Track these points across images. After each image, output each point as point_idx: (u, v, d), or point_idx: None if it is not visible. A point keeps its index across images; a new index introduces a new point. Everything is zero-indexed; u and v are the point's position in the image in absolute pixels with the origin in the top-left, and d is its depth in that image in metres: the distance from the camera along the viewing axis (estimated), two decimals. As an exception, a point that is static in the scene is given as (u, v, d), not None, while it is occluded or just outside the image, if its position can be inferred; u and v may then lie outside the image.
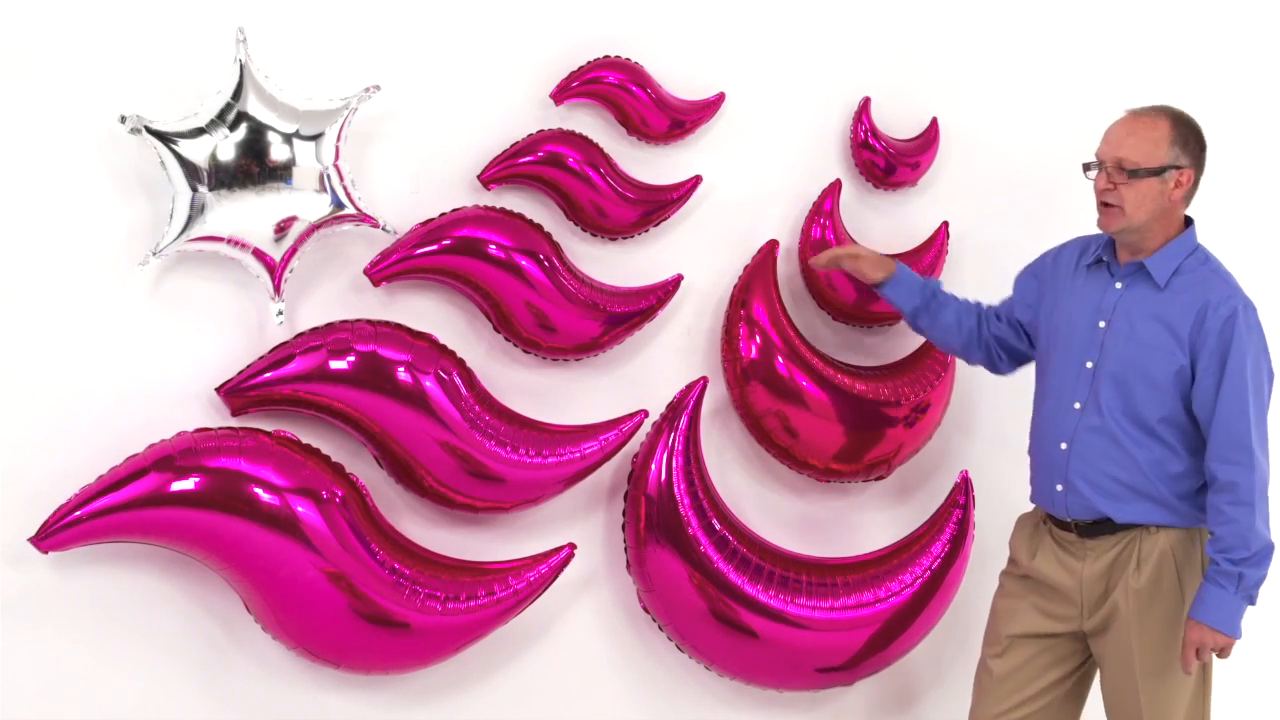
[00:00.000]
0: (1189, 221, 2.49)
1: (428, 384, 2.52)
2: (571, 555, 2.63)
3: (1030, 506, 2.67)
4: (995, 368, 2.76)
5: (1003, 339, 2.71)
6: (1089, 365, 2.47)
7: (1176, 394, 2.40)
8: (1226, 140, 3.54)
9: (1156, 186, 2.40)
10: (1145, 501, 2.42)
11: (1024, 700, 2.53)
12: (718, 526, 2.74)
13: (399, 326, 2.57)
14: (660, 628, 2.81)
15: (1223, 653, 2.35)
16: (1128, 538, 2.44)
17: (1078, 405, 2.47)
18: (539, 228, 2.68)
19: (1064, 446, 2.48)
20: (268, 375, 2.45)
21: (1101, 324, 2.47)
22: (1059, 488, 2.49)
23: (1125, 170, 2.39)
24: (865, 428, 2.89)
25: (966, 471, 2.92)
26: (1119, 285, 2.48)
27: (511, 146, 2.68)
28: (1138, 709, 2.43)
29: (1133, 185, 2.39)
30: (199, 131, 2.35)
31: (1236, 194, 3.57)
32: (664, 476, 2.71)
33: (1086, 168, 2.48)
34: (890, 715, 3.11)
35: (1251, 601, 2.34)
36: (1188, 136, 2.43)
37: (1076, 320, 2.51)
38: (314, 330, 2.52)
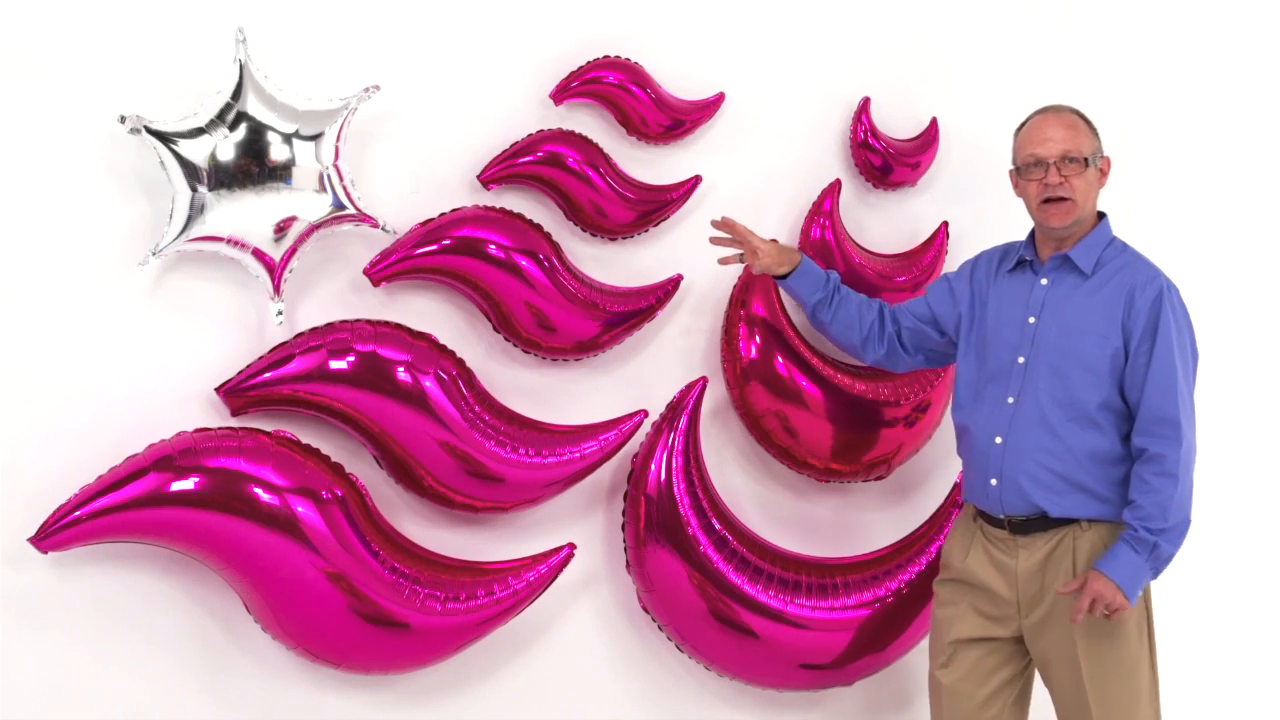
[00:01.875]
0: (1100, 214, 2.54)
1: (427, 384, 2.52)
2: (571, 555, 2.63)
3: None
4: (894, 364, 2.73)
5: (915, 332, 2.69)
6: (1020, 361, 2.48)
7: (1113, 377, 2.42)
8: (1223, 139, 3.55)
9: (1094, 174, 2.48)
10: (1080, 494, 2.43)
11: (977, 707, 2.53)
12: (717, 526, 2.74)
13: (399, 326, 2.57)
14: (660, 628, 2.81)
15: (1113, 615, 2.34)
16: (1059, 535, 2.44)
17: (1011, 400, 2.48)
18: (539, 228, 2.68)
19: (999, 441, 2.48)
20: (267, 375, 2.45)
21: (1031, 320, 2.49)
22: (993, 482, 2.49)
23: (1074, 161, 2.44)
24: (865, 427, 2.90)
25: (966, 471, 2.92)
26: (1044, 281, 2.51)
27: (511, 146, 2.68)
28: (1088, 711, 2.42)
29: (1083, 175, 2.45)
30: (199, 131, 2.35)
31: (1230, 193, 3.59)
32: (664, 476, 2.72)
33: (1018, 174, 2.51)
34: (889, 715, 3.11)
35: (1156, 574, 2.35)
36: (1093, 126, 2.52)
37: (1004, 321, 2.54)
38: (314, 330, 2.53)
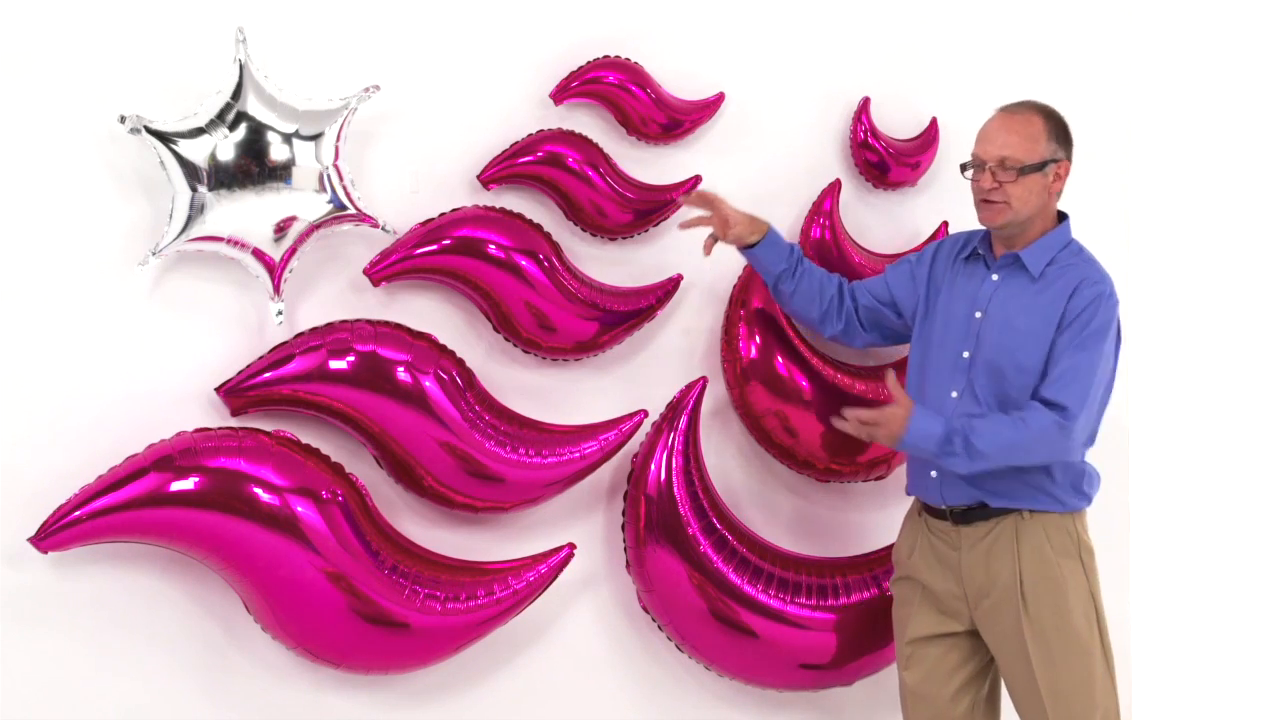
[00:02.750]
0: (1062, 216, 2.54)
1: (427, 384, 2.52)
2: (571, 555, 2.63)
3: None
4: (851, 339, 2.73)
5: (871, 310, 2.69)
6: (965, 355, 2.49)
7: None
8: (1226, 139, 3.55)
9: (1040, 181, 2.45)
10: (1017, 483, 2.43)
11: (944, 705, 2.54)
12: (717, 526, 2.74)
13: (399, 326, 2.57)
14: (660, 628, 2.81)
15: (870, 436, 2.36)
16: (1002, 524, 2.45)
17: (955, 394, 2.49)
18: (539, 228, 2.68)
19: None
20: (267, 375, 2.45)
21: (978, 315, 2.50)
22: (933, 474, 2.50)
23: (1010, 168, 2.43)
24: (865, 428, 2.89)
25: (966, 471, 2.92)
26: (995, 277, 2.51)
27: (511, 146, 2.68)
28: (1040, 700, 2.41)
29: (1019, 182, 2.43)
30: (199, 131, 2.35)
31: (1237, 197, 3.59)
32: (663, 476, 2.71)
33: (964, 168, 2.51)
34: (889, 715, 3.11)
35: (931, 455, 2.36)
36: (1059, 130, 2.48)
37: (953, 313, 2.54)
38: (314, 330, 2.53)
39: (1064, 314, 2.40)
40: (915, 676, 2.56)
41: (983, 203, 2.47)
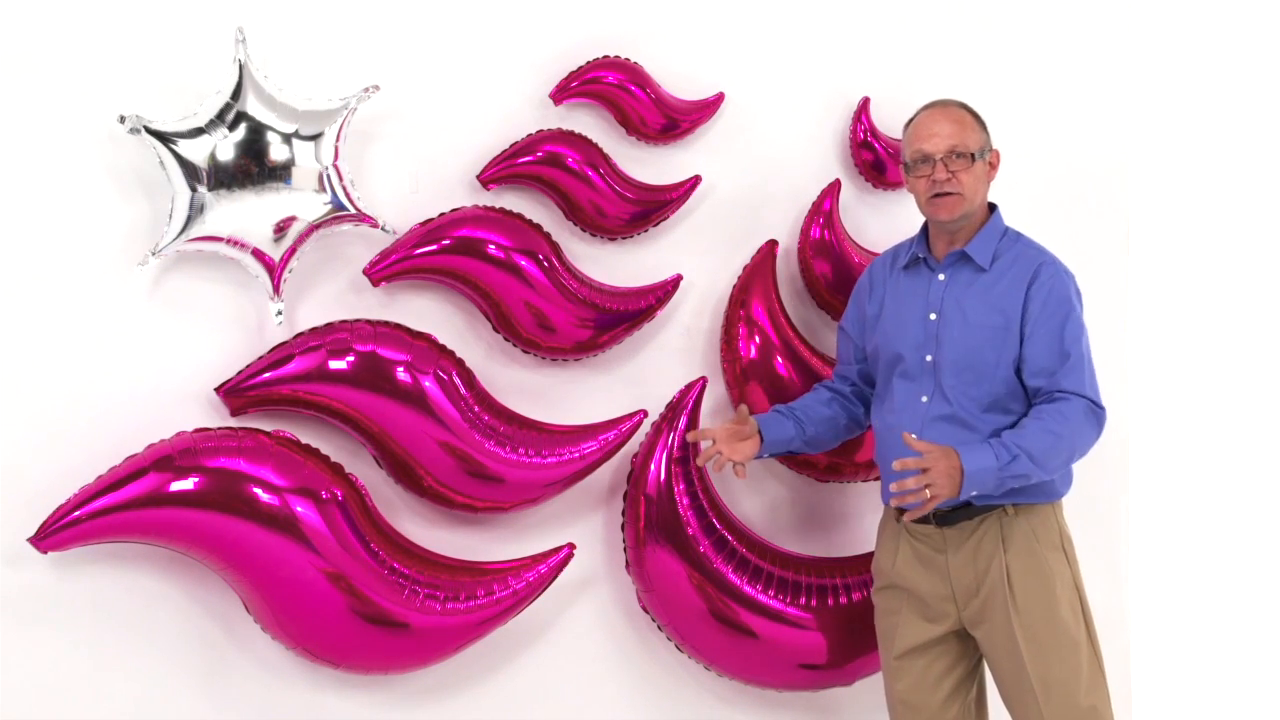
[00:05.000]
0: (992, 206, 2.56)
1: (427, 384, 2.52)
2: (571, 555, 2.63)
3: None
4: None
5: (865, 374, 2.69)
6: (928, 359, 2.49)
7: (1016, 367, 2.43)
8: (1228, 142, 3.55)
9: (983, 168, 2.50)
10: None
11: (933, 714, 2.53)
12: (717, 526, 2.74)
13: (398, 326, 2.57)
14: (659, 628, 2.81)
15: (930, 491, 2.28)
16: (986, 523, 2.45)
17: (925, 398, 2.48)
18: (538, 228, 2.68)
19: (915, 438, 2.49)
20: (267, 375, 2.45)
21: (932, 316, 2.50)
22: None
23: (961, 156, 2.46)
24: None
25: (966, 471, 2.92)
26: (941, 277, 2.52)
27: (511, 146, 2.68)
28: (1032, 694, 2.41)
29: (970, 170, 2.46)
30: (198, 131, 2.36)
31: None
32: (663, 476, 2.71)
33: (908, 168, 2.52)
34: (888, 715, 3.11)
35: (999, 486, 2.32)
36: (981, 120, 2.53)
37: (906, 319, 2.54)
38: (313, 330, 2.53)
39: (1030, 303, 2.41)
40: (904, 685, 2.56)
41: (935, 198, 2.47)
